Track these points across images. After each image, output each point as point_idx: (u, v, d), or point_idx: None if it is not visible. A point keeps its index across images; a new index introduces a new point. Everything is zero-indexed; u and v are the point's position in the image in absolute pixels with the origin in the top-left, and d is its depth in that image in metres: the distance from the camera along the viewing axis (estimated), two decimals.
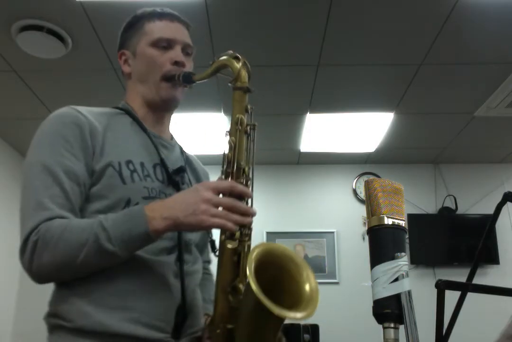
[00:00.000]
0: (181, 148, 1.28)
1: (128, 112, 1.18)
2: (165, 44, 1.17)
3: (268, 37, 2.85)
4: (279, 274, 0.95)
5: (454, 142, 4.24)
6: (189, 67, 1.19)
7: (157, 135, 1.19)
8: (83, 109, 1.10)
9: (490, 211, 1.15)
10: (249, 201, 1.02)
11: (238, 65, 1.06)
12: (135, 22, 1.21)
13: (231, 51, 1.09)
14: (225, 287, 0.97)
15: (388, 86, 3.39)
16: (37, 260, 0.95)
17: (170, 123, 1.28)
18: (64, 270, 0.96)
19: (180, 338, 1.04)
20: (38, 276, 0.98)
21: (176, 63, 1.16)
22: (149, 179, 1.08)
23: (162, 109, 1.21)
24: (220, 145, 4.17)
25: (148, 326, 0.98)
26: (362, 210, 4.36)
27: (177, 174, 1.14)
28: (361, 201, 4.54)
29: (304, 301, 0.90)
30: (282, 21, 2.73)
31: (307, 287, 0.92)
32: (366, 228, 1.02)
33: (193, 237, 1.14)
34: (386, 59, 3.08)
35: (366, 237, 1.02)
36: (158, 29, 1.18)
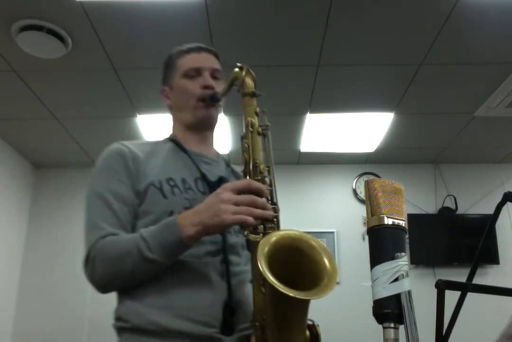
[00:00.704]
0: (227, 164, 1.37)
1: (171, 138, 1.33)
2: (194, 73, 1.30)
3: (268, 37, 2.86)
4: (297, 257, 0.98)
5: (454, 142, 4.24)
6: (219, 89, 1.29)
7: (198, 153, 1.30)
8: (128, 142, 1.26)
9: (490, 211, 1.15)
10: (274, 196, 1.09)
11: (242, 74, 1.16)
12: (169, 61, 1.37)
13: (238, 64, 1.18)
14: (258, 280, 1.01)
15: (388, 86, 3.39)
16: (96, 272, 1.09)
17: (214, 141, 1.39)
18: (119, 278, 1.09)
19: (232, 334, 1.08)
20: (100, 286, 1.11)
21: (206, 87, 1.28)
22: (191, 191, 1.19)
23: (201, 129, 1.33)
24: (220, 145, 4.17)
25: (194, 321, 1.06)
26: (362, 210, 4.36)
27: (218, 184, 1.20)
28: (361, 201, 4.54)
29: (324, 280, 0.93)
30: (282, 21, 2.73)
31: (326, 264, 0.95)
32: (366, 228, 1.02)
33: (240, 240, 1.20)
34: (386, 59, 3.08)
35: (366, 237, 1.01)
36: (186, 62, 1.33)
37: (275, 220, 1.06)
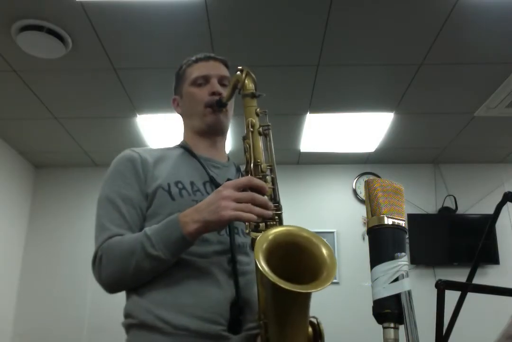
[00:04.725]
0: (238, 168, 1.39)
1: (181, 145, 1.36)
2: (202, 81, 1.34)
3: (268, 37, 2.85)
4: (296, 252, 0.98)
5: (454, 142, 4.24)
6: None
7: (207, 158, 1.33)
8: (139, 149, 1.29)
9: (490, 211, 1.15)
10: (277, 195, 1.11)
11: (242, 76, 1.18)
12: (180, 71, 1.42)
13: (239, 67, 1.20)
14: (259, 278, 1.03)
15: (388, 86, 3.39)
16: (103, 271, 1.12)
17: (225, 147, 1.43)
18: (124, 276, 1.11)
19: (239, 332, 1.09)
20: (107, 285, 1.14)
21: (213, 93, 1.31)
22: (199, 193, 1.22)
23: (211, 134, 1.36)
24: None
25: (200, 318, 1.07)
26: (362, 210, 4.36)
27: None
28: (361, 201, 4.54)
29: (324, 274, 0.93)
30: (282, 21, 2.73)
31: (325, 258, 0.95)
32: (366, 228, 1.02)
33: (248, 240, 1.20)
34: (386, 59, 3.08)
35: (366, 237, 1.01)
36: (194, 70, 1.37)
37: (276, 217, 1.07)
